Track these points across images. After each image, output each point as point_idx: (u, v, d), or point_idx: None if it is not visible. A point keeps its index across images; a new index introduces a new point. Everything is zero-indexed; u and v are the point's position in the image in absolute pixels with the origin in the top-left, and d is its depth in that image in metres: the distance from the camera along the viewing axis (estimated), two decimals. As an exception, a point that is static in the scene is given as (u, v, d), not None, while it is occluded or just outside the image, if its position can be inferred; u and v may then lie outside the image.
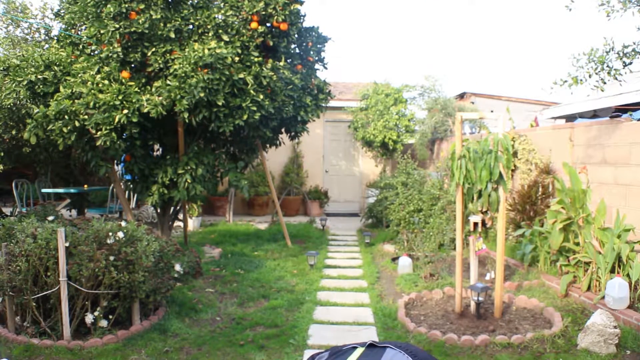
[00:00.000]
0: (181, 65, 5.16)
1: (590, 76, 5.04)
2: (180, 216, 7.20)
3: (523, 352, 3.51)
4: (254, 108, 5.53)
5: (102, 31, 5.56)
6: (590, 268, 4.44)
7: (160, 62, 5.50)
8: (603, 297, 4.12)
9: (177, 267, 4.36)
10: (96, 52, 5.91)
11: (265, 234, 8.24)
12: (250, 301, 4.76)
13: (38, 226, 3.84)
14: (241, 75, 5.48)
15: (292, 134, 7.01)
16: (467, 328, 3.95)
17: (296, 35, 6.40)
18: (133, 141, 5.76)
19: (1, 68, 5.94)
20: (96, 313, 3.69)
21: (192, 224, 8.75)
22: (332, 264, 6.32)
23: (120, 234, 3.73)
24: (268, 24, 5.96)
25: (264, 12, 5.78)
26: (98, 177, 9.53)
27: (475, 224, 4.23)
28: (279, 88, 5.93)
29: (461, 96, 13.88)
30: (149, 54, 5.54)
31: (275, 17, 5.81)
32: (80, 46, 6.14)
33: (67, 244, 3.59)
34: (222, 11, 5.86)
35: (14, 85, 5.70)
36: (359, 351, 1.22)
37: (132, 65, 5.75)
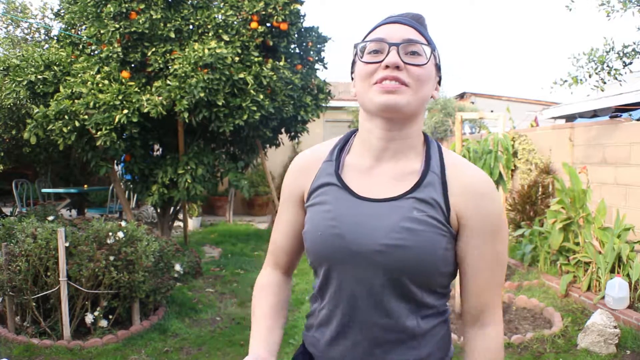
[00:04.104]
0: (181, 65, 5.16)
1: (590, 76, 5.05)
2: (180, 216, 7.20)
3: (523, 352, 3.51)
4: (254, 108, 5.53)
5: (102, 31, 5.55)
6: (590, 268, 4.44)
7: (160, 62, 5.49)
8: (603, 297, 4.12)
9: (177, 267, 4.36)
10: (96, 52, 5.91)
11: (266, 234, 8.24)
12: (250, 301, 4.75)
13: (38, 226, 3.84)
14: (241, 75, 5.48)
15: (292, 133, 7.01)
16: (467, 328, 3.94)
17: (296, 35, 6.40)
18: (133, 141, 5.75)
19: (1, 68, 5.94)
20: (96, 313, 3.69)
21: (192, 224, 8.75)
22: (332, 264, 6.29)
23: (120, 234, 3.73)
24: (268, 24, 5.96)
25: (264, 12, 5.78)
26: (98, 177, 9.54)
27: (475, 224, 4.23)
28: (279, 88, 5.93)
29: (461, 96, 13.88)
30: (149, 54, 5.54)
31: (275, 17, 5.81)
32: (80, 46, 6.13)
33: (67, 244, 3.59)
34: (222, 11, 5.86)
35: (14, 85, 5.70)
36: None
37: (132, 65, 5.75)
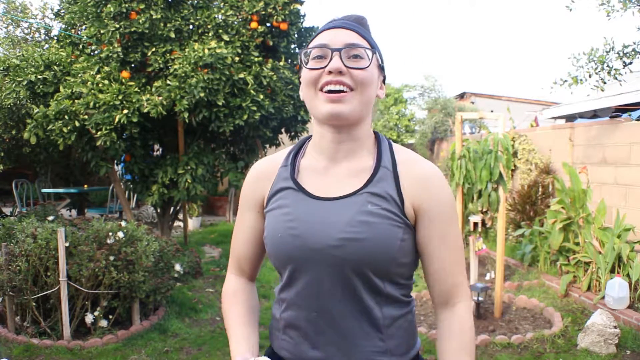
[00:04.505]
0: (181, 65, 5.16)
1: (590, 76, 5.05)
2: (180, 216, 7.20)
3: (523, 352, 3.51)
4: (254, 108, 5.53)
5: (102, 31, 5.55)
6: (590, 268, 4.44)
7: (160, 62, 5.49)
8: (603, 297, 4.12)
9: (177, 267, 4.36)
10: (96, 52, 5.90)
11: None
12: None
13: (38, 226, 3.84)
14: (241, 75, 5.48)
15: (292, 133, 7.01)
16: (467, 328, 3.94)
17: (296, 35, 6.40)
18: (133, 141, 5.75)
19: (1, 68, 5.94)
20: (96, 313, 3.69)
21: (192, 224, 8.75)
22: (332, 264, 6.28)
23: (120, 234, 3.73)
24: (268, 24, 5.96)
25: (263, 12, 5.78)
26: (98, 177, 9.54)
27: (475, 224, 4.23)
28: (279, 88, 5.93)
29: (461, 96, 13.90)
30: (149, 54, 5.54)
31: (275, 17, 5.81)
32: (80, 46, 6.13)
33: (67, 244, 3.59)
34: (222, 11, 5.86)
35: (14, 85, 5.70)
36: None
37: (132, 65, 5.75)
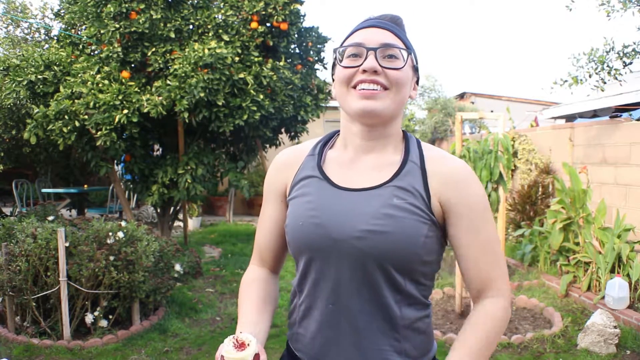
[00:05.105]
0: (181, 65, 5.16)
1: (590, 76, 5.05)
2: (180, 216, 7.20)
3: (523, 352, 3.51)
4: (254, 108, 5.53)
5: (102, 31, 5.56)
6: (590, 268, 4.44)
7: (160, 62, 5.49)
8: (603, 297, 4.12)
9: (177, 267, 4.36)
10: (96, 52, 5.91)
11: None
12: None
13: (38, 226, 3.84)
14: (241, 75, 5.48)
15: (292, 133, 7.01)
16: (467, 328, 3.94)
17: (296, 35, 6.40)
18: (133, 141, 5.75)
19: (1, 68, 5.94)
20: (96, 313, 3.69)
21: (192, 224, 8.75)
22: (332, 264, 6.28)
23: (120, 234, 3.73)
24: (268, 24, 5.96)
25: (264, 12, 5.78)
26: (98, 177, 9.54)
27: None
28: (279, 88, 5.92)
29: (461, 96, 13.90)
30: (149, 54, 5.54)
31: (275, 17, 5.80)
32: (80, 46, 6.13)
33: (67, 244, 3.59)
34: (222, 11, 5.86)
35: (14, 85, 5.70)
36: None
37: (132, 65, 5.75)
